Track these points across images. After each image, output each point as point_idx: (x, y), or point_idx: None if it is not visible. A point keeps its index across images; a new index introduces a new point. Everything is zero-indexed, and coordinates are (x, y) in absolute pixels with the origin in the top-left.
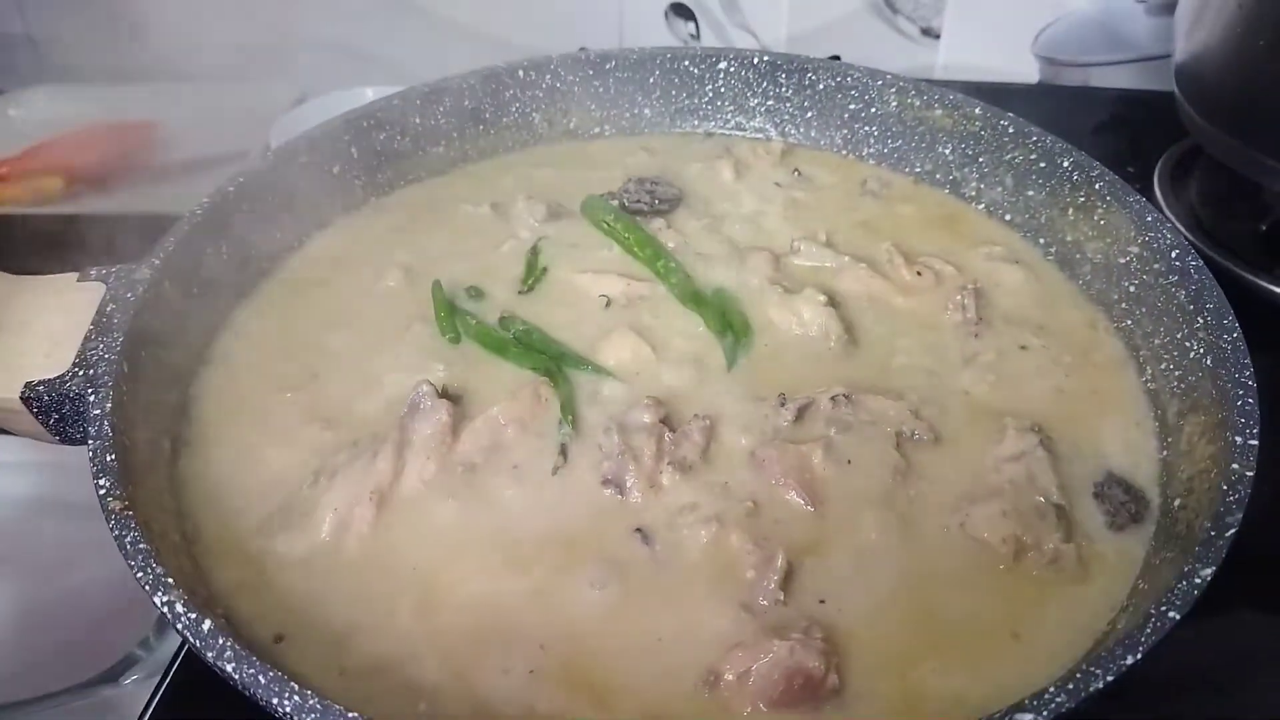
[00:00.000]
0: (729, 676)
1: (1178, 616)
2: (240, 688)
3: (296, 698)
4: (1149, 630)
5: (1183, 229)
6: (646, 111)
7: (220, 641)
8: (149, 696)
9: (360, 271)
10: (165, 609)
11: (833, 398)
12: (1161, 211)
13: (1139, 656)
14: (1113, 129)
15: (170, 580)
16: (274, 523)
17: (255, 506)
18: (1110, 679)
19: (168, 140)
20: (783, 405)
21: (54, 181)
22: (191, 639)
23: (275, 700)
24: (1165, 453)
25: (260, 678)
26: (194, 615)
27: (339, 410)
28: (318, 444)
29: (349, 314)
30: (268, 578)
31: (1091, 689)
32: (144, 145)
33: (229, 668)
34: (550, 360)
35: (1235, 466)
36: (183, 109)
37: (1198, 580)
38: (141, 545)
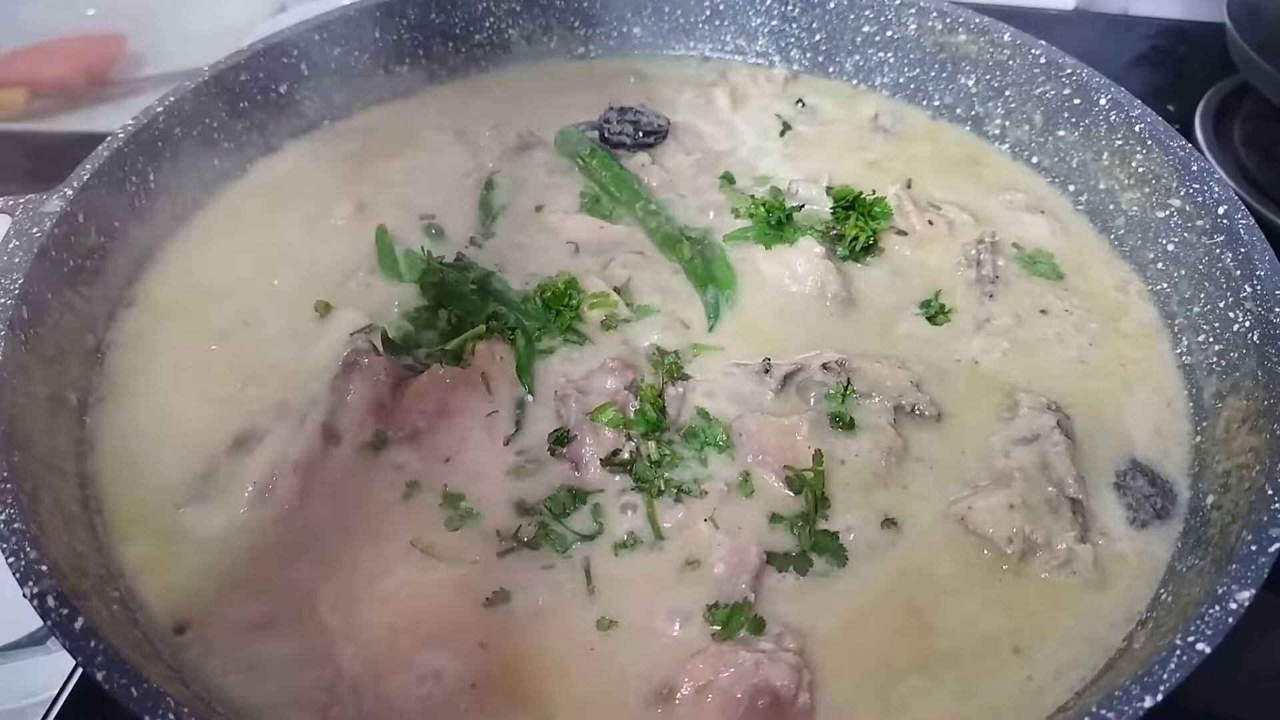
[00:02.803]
0: (685, 691)
1: (1208, 649)
2: (113, 697)
3: (171, 715)
4: (1173, 665)
5: (1226, 177)
6: (637, 30)
7: (91, 644)
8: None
9: (307, 204)
10: (34, 602)
11: (824, 364)
12: (1205, 158)
13: (1159, 698)
14: (1153, 62)
15: (44, 568)
16: (188, 492)
17: (169, 473)
18: None
19: (138, 54)
20: (767, 372)
21: (16, 95)
22: (60, 638)
23: (147, 717)
24: (1199, 438)
25: (133, 690)
26: (65, 611)
27: (269, 363)
28: (243, 402)
29: (290, 253)
30: (178, 555)
31: None
32: (113, 59)
33: (99, 675)
34: (509, 311)
35: None
36: (155, 21)
37: (1233, 605)
38: (16, 525)
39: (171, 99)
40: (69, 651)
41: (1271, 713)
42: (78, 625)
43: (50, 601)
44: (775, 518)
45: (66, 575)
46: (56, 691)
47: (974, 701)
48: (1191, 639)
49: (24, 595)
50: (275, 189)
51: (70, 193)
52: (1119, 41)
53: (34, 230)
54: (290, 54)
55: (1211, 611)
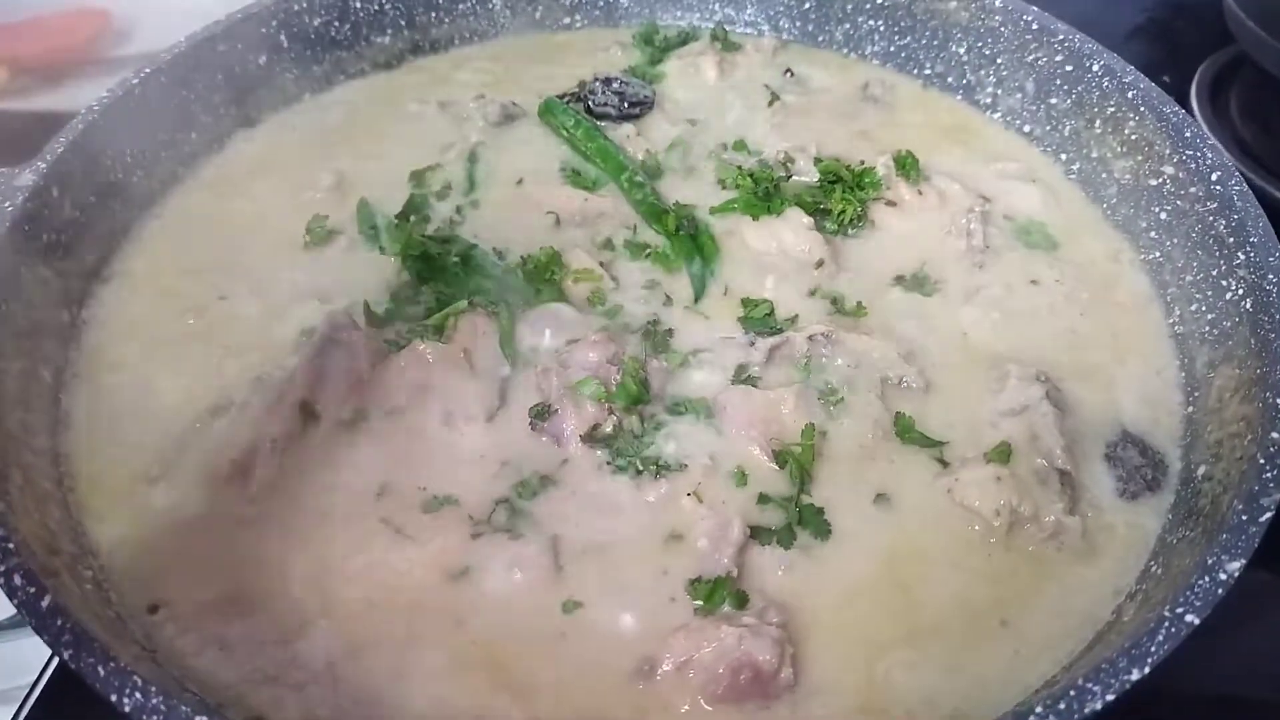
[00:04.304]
0: (667, 666)
1: (1196, 620)
2: (81, 677)
3: (139, 695)
4: (1161, 636)
5: (1222, 148)
6: (623, 0)
7: (58, 623)
8: None
9: (286, 178)
10: (0, 579)
11: (810, 336)
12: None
13: (1147, 670)
14: (1148, 34)
15: (11, 546)
16: (164, 469)
17: (145, 449)
18: (1111, 697)
19: (122, 31)
20: (752, 344)
21: None
22: (27, 616)
23: (115, 697)
24: (1191, 408)
25: (100, 669)
26: (32, 590)
27: (247, 338)
28: (219, 378)
29: (268, 227)
30: (152, 532)
31: (1087, 709)
32: (96, 36)
33: (66, 655)
34: (492, 284)
35: (1276, 435)
36: None
37: (1222, 576)
38: None
39: (147, 71)
40: (35, 630)
41: (1267, 690)
42: (44, 604)
43: (16, 580)
44: (760, 494)
45: (36, 553)
46: (37, 675)
47: (961, 675)
48: (1180, 610)
49: None
50: (254, 162)
51: (44, 166)
52: (1115, 13)
53: (6, 205)
54: (269, 25)
55: (1201, 582)
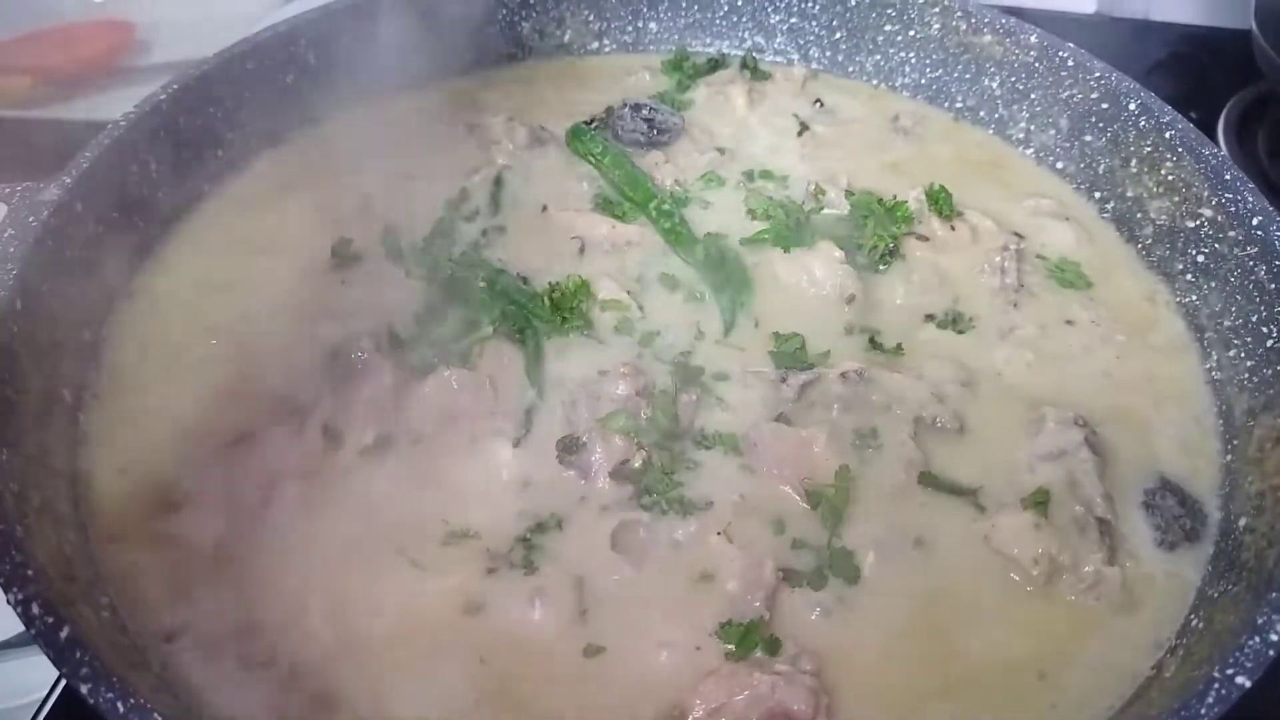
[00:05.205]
0: (698, 713)
1: (1247, 683)
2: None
3: None
4: (1211, 699)
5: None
6: (652, 26)
7: (77, 655)
8: None
9: (312, 198)
10: (18, 609)
11: (842, 374)
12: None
13: None
14: (1172, 69)
15: (30, 573)
16: (184, 493)
17: (165, 473)
18: None
19: (146, 42)
20: (784, 380)
21: (21, 82)
22: (45, 648)
23: None
24: (1230, 457)
25: (119, 705)
26: (50, 620)
27: (271, 360)
28: (242, 400)
29: (293, 248)
30: (170, 559)
31: None
32: (121, 47)
33: (84, 689)
34: (518, 310)
35: None
36: (163, 8)
37: (1274, 637)
38: (1, 528)
39: (175, 87)
40: (53, 662)
41: None
42: (63, 634)
43: (35, 609)
44: (791, 535)
45: (54, 580)
46: (47, 691)
47: None
48: (1230, 671)
49: (8, 601)
50: (280, 182)
51: (69, 181)
52: (1139, 47)
53: (30, 219)
54: (297, 43)
55: (1251, 643)
